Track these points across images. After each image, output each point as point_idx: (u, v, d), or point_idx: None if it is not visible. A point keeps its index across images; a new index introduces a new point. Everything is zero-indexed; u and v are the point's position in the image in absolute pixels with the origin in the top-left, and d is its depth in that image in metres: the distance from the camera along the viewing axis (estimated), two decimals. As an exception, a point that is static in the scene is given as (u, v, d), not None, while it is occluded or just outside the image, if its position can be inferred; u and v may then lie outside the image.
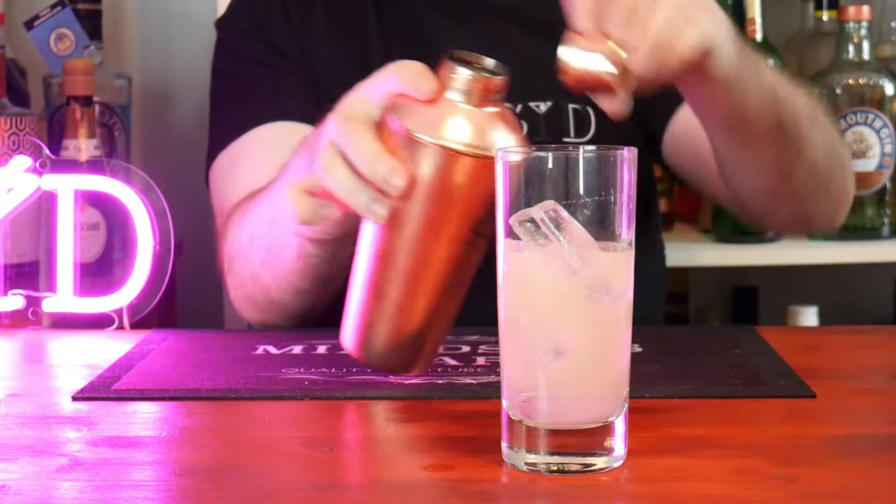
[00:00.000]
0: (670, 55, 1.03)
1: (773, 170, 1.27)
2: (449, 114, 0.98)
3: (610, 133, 1.46)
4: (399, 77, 1.01)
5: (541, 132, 1.43)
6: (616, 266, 0.84)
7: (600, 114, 1.46)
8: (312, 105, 1.46)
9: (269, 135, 1.44)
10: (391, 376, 1.07)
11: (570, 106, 1.46)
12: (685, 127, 1.43)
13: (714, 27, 1.07)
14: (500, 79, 0.99)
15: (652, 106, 1.45)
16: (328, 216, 1.07)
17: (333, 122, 1.05)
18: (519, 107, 1.44)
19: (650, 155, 1.54)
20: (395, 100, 1.01)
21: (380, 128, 1.02)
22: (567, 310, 0.84)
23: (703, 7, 1.06)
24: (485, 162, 0.96)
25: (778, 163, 1.26)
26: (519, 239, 0.83)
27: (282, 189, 1.22)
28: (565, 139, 1.45)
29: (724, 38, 1.09)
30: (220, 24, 1.54)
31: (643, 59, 1.01)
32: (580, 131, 1.46)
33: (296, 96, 1.46)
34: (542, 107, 1.44)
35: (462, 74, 0.98)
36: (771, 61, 1.32)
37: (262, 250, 1.26)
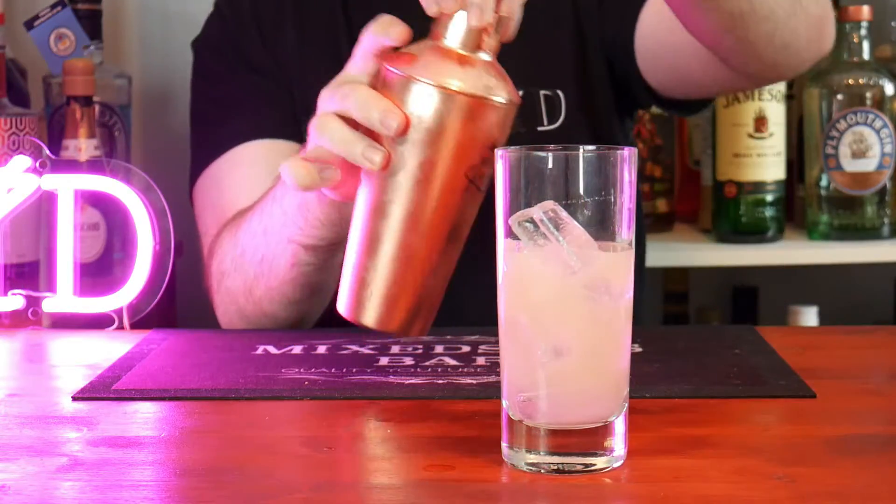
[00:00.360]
0: None
1: None
2: (444, 57, 1.01)
3: (580, 114, 1.47)
4: (371, 30, 1.05)
5: (514, 122, 1.44)
6: (615, 266, 0.84)
7: (570, 97, 1.47)
8: (290, 118, 1.47)
9: (249, 153, 1.45)
10: (393, 376, 1.07)
11: (542, 92, 1.47)
12: (647, 24, 1.42)
13: None
14: (492, 26, 1.01)
15: (615, 27, 1.45)
16: (327, 178, 1.08)
17: (324, 93, 1.07)
18: None
19: (626, 111, 1.54)
20: (386, 55, 1.04)
21: (373, 84, 1.05)
22: (566, 310, 0.84)
23: None
24: (479, 103, 0.99)
25: None
26: (519, 239, 0.83)
27: (275, 199, 1.22)
28: (539, 128, 1.45)
29: None
30: (196, 43, 1.55)
31: None
32: (552, 117, 1.46)
33: (273, 112, 1.48)
34: None
35: (458, 20, 1.00)
36: None
37: (255, 262, 1.27)
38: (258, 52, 1.50)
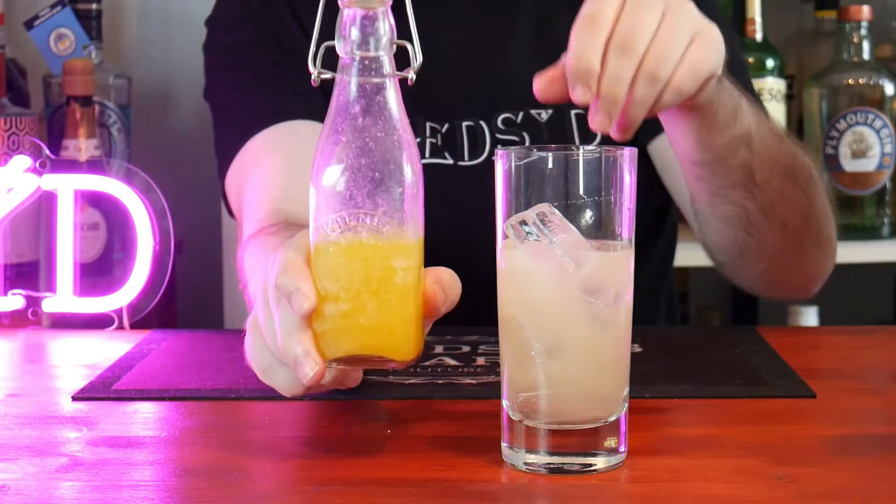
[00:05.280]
0: (673, 85, 0.95)
1: (740, 221, 1.19)
2: None
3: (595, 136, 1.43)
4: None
5: (545, 140, 1.38)
6: (612, 266, 0.84)
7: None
8: (315, 94, 1.38)
9: (274, 137, 1.34)
10: (392, 376, 1.07)
11: (573, 112, 1.39)
12: (661, 155, 1.37)
13: (717, 56, 0.99)
14: None
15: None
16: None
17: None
18: (520, 115, 1.38)
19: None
20: None
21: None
22: (561, 311, 0.83)
23: (708, 35, 0.98)
24: None
25: (745, 215, 1.18)
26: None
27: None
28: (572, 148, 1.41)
29: (718, 67, 1.01)
30: (212, 21, 1.46)
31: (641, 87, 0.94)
32: (585, 138, 1.40)
33: (296, 90, 1.39)
34: (544, 114, 1.40)
35: None
36: (758, 108, 1.18)
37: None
38: (287, 25, 1.39)
